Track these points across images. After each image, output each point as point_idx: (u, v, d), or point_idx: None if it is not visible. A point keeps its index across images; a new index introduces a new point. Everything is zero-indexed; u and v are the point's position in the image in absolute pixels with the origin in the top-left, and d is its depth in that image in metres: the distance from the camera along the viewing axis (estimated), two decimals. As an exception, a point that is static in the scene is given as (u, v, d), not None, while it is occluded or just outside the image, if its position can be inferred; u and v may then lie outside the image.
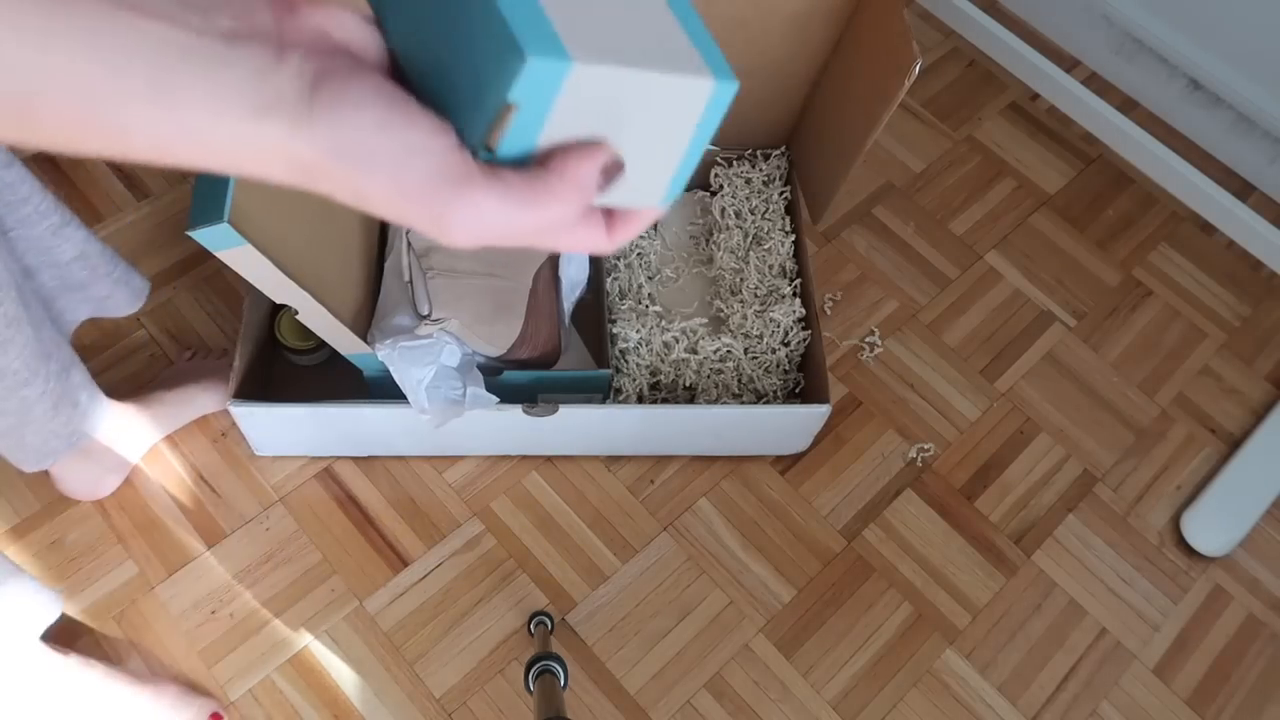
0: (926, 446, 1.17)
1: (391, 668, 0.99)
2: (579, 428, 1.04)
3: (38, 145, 0.25)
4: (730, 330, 1.10)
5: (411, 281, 0.94)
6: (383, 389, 0.96)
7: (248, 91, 0.25)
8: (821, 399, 1.03)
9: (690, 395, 1.09)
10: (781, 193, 1.19)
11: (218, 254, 0.74)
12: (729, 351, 1.08)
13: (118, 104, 0.24)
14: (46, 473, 1.00)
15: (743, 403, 1.09)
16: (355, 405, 0.98)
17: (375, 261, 1.01)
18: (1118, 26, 1.46)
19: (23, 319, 0.79)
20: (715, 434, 1.09)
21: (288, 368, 1.11)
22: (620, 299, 1.13)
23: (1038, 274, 1.33)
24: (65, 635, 0.97)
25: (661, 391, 1.09)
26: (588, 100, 0.29)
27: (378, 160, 0.26)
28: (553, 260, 1.03)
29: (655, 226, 1.21)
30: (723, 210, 1.19)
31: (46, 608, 0.85)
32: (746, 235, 1.17)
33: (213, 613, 1.01)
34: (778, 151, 1.22)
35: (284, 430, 1.03)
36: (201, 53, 0.25)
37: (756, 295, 1.13)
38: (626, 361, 1.07)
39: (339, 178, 0.26)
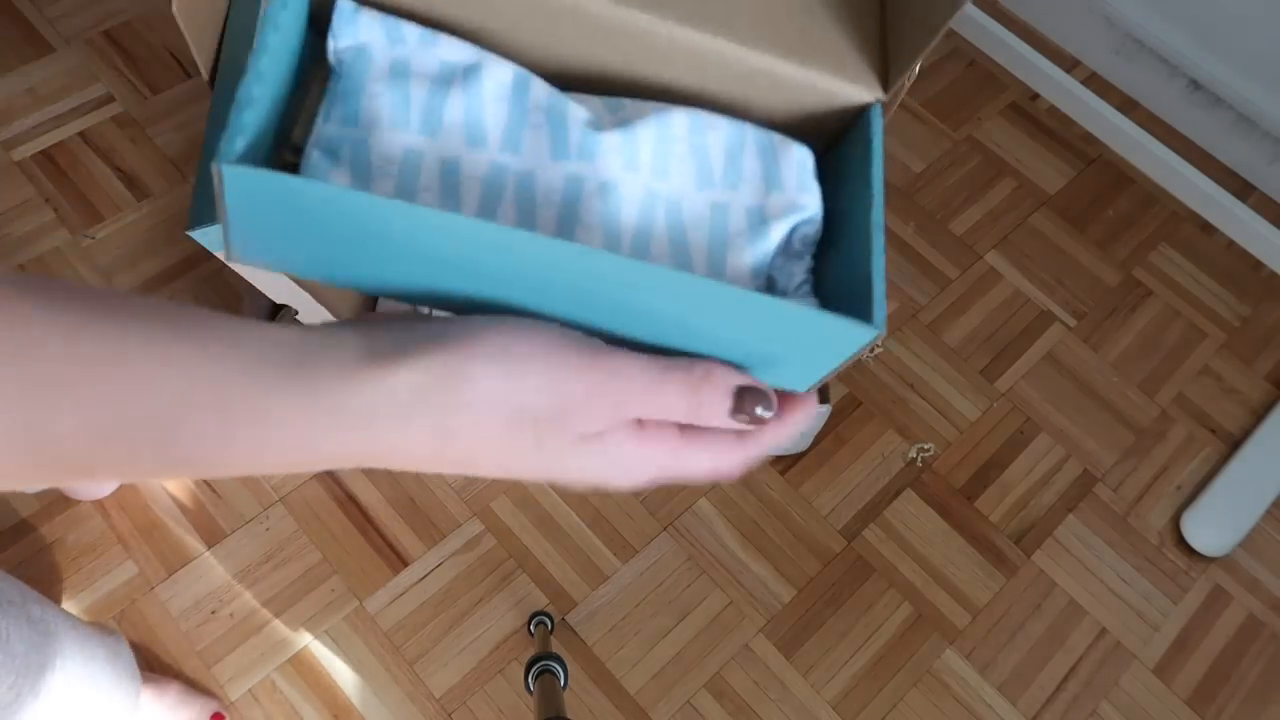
0: (926, 446, 1.17)
1: (391, 668, 1.00)
2: (579, 428, 1.04)
3: (175, 474, 0.24)
4: (730, 330, 1.10)
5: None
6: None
7: (364, 360, 0.24)
8: (821, 399, 1.03)
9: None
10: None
11: (218, 254, 0.74)
12: (729, 351, 1.08)
13: (257, 409, 0.23)
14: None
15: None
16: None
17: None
18: (1118, 26, 1.46)
19: None
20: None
21: (288, 368, 1.11)
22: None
23: (1038, 274, 1.33)
24: (65, 635, 0.97)
25: (661, 391, 1.09)
26: None
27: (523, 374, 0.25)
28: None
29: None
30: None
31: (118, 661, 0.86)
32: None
33: (213, 613, 1.01)
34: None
35: (284, 430, 1.03)
36: (323, 336, 0.24)
37: (756, 295, 1.13)
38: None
39: (481, 407, 0.25)
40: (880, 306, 0.28)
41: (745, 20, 0.34)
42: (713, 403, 0.27)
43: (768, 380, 0.29)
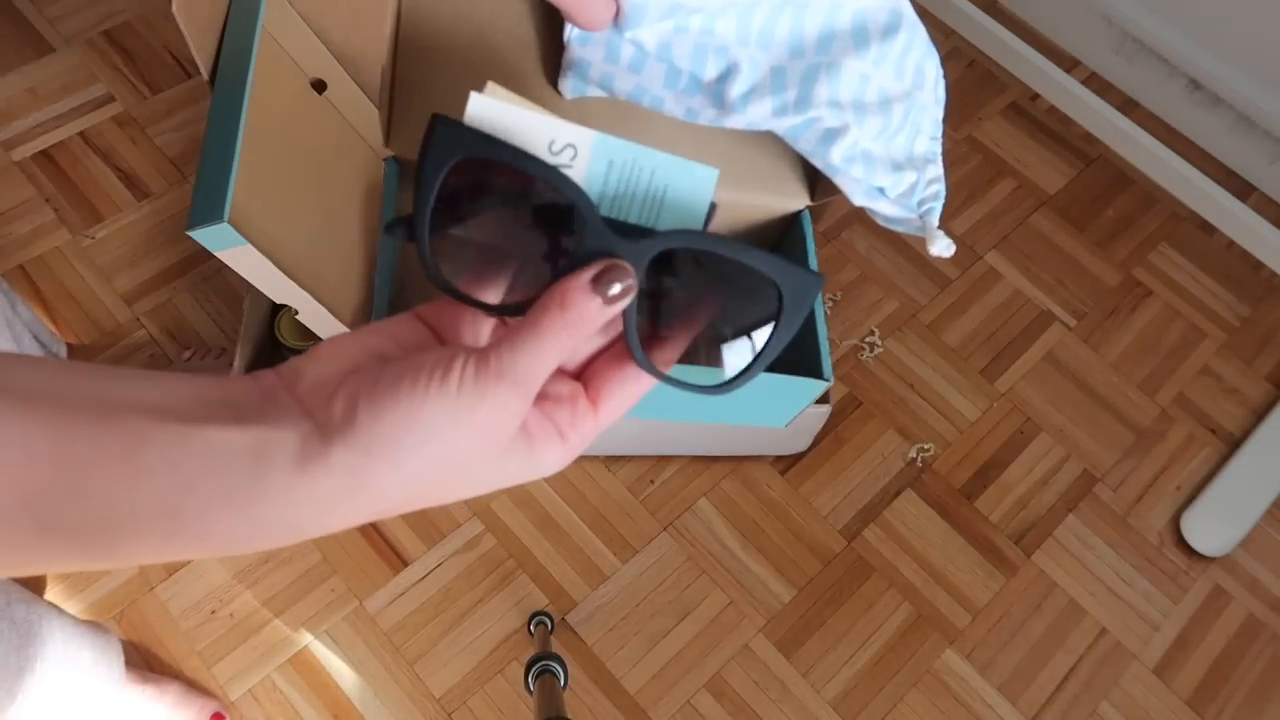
0: (926, 446, 1.17)
1: (391, 668, 0.99)
2: (579, 428, 1.04)
3: (110, 566, 0.25)
4: (730, 330, 1.10)
5: (411, 282, 0.94)
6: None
7: (296, 461, 0.25)
8: (821, 399, 1.03)
9: (690, 395, 1.09)
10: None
11: (218, 254, 0.74)
12: (729, 351, 1.08)
13: (198, 518, 0.24)
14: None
15: (743, 403, 1.09)
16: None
17: (376, 261, 1.01)
18: (1118, 26, 1.46)
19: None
20: (715, 434, 1.09)
21: (288, 368, 1.11)
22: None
23: (1038, 274, 1.33)
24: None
25: (661, 391, 1.09)
26: None
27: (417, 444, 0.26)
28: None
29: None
30: (723, 210, 1.19)
31: (106, 652, 0.86)
32: (746, 235, 1.17)
33: (213, 613, 1.01)
34: (778, 151, 1.22)
35: (284, 430, 1.03)
36: (251, 446, 0.25)
37: (756, 295, 1.13)
38: (626, 361, 1.07)
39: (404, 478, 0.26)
40: (827, 362, 0.36)
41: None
42: (586, 311, 0.27)
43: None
